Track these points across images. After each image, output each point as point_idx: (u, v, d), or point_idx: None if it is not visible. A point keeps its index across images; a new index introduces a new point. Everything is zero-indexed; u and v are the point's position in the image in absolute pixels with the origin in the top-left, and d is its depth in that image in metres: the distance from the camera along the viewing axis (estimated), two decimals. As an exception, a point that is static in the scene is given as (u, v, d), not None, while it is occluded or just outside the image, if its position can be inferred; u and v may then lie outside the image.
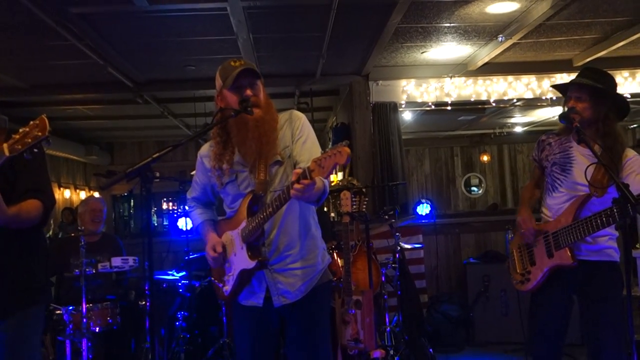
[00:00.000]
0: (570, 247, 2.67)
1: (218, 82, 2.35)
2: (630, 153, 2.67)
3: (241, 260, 2.32)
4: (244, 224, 2.31)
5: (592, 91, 2.66)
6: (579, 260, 2.66)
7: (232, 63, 2.30)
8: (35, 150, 1.97)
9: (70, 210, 9.65)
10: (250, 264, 2.27)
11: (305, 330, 2.38)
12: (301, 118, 2.40)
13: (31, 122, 1.96)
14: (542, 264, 2.79)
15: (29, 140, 1.94)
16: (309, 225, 2.41)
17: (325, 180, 2.19)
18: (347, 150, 1.89)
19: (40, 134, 1.94)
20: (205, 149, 2.51)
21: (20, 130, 1.96)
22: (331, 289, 2.60)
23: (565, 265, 2.69)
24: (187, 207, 2.66)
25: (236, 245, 2.35)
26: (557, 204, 2.78)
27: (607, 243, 2.72)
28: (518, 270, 2.93)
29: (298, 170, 2.00)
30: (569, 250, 2.66)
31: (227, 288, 2.42)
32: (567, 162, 2.75)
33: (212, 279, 2.57)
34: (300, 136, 2.35)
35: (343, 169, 8.11)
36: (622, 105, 2.74)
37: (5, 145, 1.97)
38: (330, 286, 2.55)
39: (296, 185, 1.97)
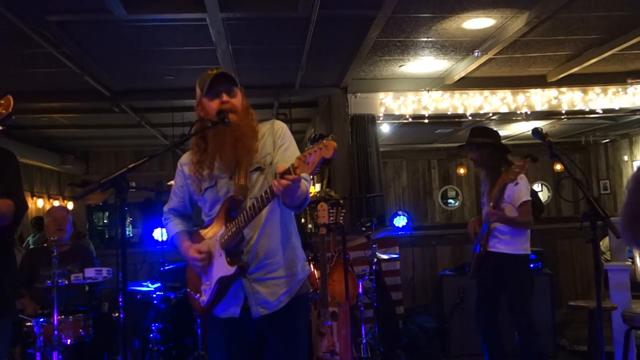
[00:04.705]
0: (483, 242, 3.98)
1: (197, 91, 2.35)
2: (520, 179, 3.76)
3: (220, 267, 2.24)
4: (222, 230, 2.25)
5: (473, 146, 4.07)
6: (489, 251, 3.97)
7: (210, 72, 2.30)
8: (0, 127, 1.99)
9: (37, 219, 9.25)
10: (230, 270, 2.19)
11: (285, 343, 2.32)
12: (283, 127, 2.40)
13: None
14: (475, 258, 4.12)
15: None
16: (289, 234, 2.38)
17: (308, 184, 2.19)
18: (334, 143, 1.84)
19: (4, 111, 1.95)
20: (185, 157, 2.48)
21: None
22: (309, 301, 2.55)
23: (481, 255, 4.03)
24: (163, 220, 2.59)
25: (215, 253, 2.28)
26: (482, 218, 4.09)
27: (508, 240, 3.90)
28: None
29: (282, 167, 1.95)
30: (482, 244, 4.01)
31: (204, 298, 2.33)
32: (484, 191, 4.10)
33: (188, 290, 2.48)
34: (282, 144, 2.34)
35: (321, 181, 8.14)
36: (503, 147, 4.07)
37: None
38: (308, 298, 2.51)
39: (282, 180, 1.91)
